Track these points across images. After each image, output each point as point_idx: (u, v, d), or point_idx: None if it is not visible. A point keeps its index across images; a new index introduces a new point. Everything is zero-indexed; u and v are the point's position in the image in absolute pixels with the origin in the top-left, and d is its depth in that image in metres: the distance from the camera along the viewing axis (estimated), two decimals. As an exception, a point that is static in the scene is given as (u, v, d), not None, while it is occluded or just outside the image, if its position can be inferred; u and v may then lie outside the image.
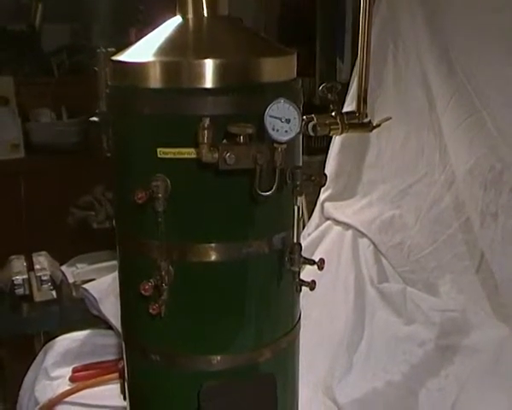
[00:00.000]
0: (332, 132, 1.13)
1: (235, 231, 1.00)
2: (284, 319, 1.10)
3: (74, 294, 1.84)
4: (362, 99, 1.13)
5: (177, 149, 0.95)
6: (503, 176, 1.56)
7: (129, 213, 1.02)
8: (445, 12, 1.68)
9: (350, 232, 1.89)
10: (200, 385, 1.02)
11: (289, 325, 1.11)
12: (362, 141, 1.93)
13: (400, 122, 1.79)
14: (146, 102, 0.97)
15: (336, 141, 1.98)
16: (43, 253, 1.97)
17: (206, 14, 1.02)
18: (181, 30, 1.03)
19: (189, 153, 0.94)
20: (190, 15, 1.03)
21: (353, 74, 1.99)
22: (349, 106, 1.80)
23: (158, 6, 2.39)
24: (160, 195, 0.94)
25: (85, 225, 2.37)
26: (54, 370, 1.70)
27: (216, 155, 0.89)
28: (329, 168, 1.97)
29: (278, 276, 1.05)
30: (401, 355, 1.60)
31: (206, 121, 0.88)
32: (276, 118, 0.90)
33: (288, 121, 0.90)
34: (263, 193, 0.92)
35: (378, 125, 1.16)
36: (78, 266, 2.25)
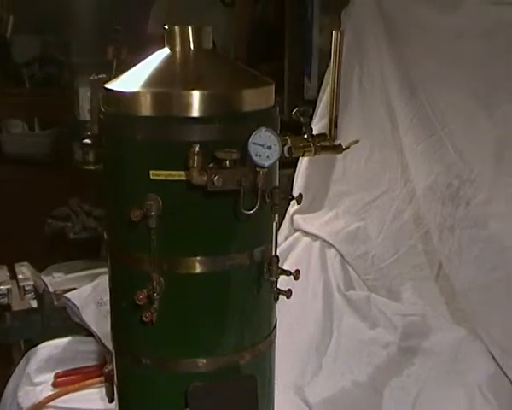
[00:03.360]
0: (306, 154, 1.23)
1: (220, 245, 1.10)
2: (263, 324, 1.20)
3: (56, 303, 1.91)
4: (333, 124, 1.24)
5: (168, 172, 1.04)
6: (459, 192, 1.69)
7: (122, 229, 1.10)
8: (407, 38, 1.80)
9: (318, 243, 2.01)
10: (188, 386, 1.11)
11: (267, 330, 1.21)
12: (328, 157, 2.04)
13: (365, 140, 1.91)
14: (139, 129, 1.06)
15: (305, 157, 2.09)
16: (26, 263, 2.04)
17: (192, 47, 1.12)
18: (170, 61, 1.12)
19: (179, 175, 1.03)
20: (178, 48, 1.12)
21: (320, 93, 2.11)
22: (317, 124, 1.92)
23: (135, 26, 2.49)
24: (152, 213, 1.03)
25: (61, 235, 2.44)
26: (37, 376, 1.77)
27: (205, 178, 0.99)
28: (298, 183, 2.09)
29: (258, 286, 1.15)
30: (366, 357, 1.72)
31: (196, 147, 0.98)
32: (258, 145, 1.00)
33: (269, 148, 1.01)
34: (246, 211, 1.02)
35: (347, 148, 1.27)
36: (55, 275, 2.31)
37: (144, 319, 1.06)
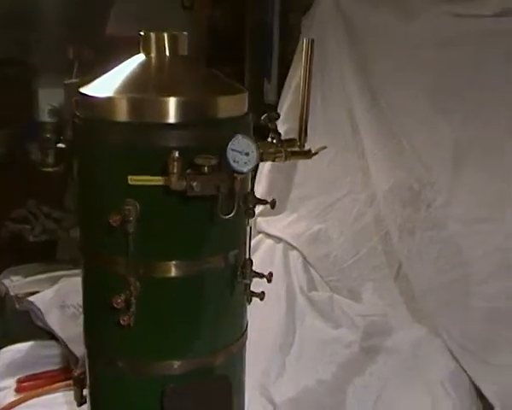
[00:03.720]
0: (277, 160, 1.26)
1: (196, 249, 1.12)
2: (236, 326, 1.23)
3: (17, 306, 1.89)
4: (304, 130, 1.27)
5: (146, 177, 1.05)
6: (420, 195, 1.75)
7: (99, 233, 1.11)
8: (367, 44, 1.85)
9: (281, 245, 2.04)
10: (163, 388, 1.13)
11: (240, 332, 1.24)
12: (290, 161, 2.07)
13: (326, 144, 1.94)
14: (116, 134, 1.07)
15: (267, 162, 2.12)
16: (-14, 267, 2.01)
17: (168, 54, 1.13)
18: (145, 67, 1.13)
19: (157, 180, 1.05)
20: (153, 54, 1.14)
21: (282, 97, 2.15)
22: (280, 129, 1.94)
23: (96, 25, 2.47)
24: (131, 218, 1.04)
25: (19, 238, 2.40)
26: (-1, 381, 1.75)
27: (184, 183, 1.01)
28: (261, 185, 2.12)
29: (231, 288, 1.18)
30: (329, 356, 1.77)
31: (176, 153, 1.00)
32: (236, 151, 1.02)
33: (247, 154, 1.03)
34: (224, 216, 1.04)
35: (316, 153, 1.30)
36: (13, 278, 2.28)
37: (122, 322, 1.07)
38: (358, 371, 1.70)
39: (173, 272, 1.11)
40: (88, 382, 1.25)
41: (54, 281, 2.12)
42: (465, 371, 1.65)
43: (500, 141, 1.62)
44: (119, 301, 1.06)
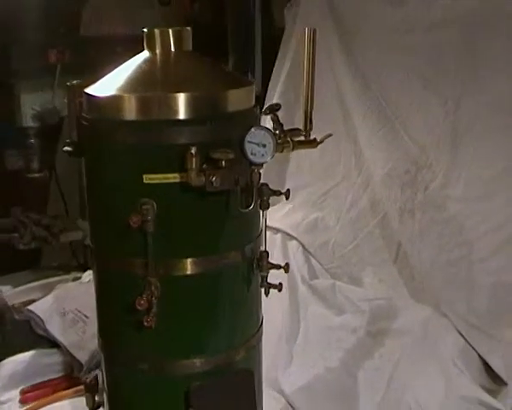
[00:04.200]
0: (284, 150, 1.26)
1: (214, 244, 1.11)
2: (254, 319, 1.23)
3: (16, 317, 1.86)
4: (308, 119, 1.27)
5: (163, 175, 1.04)
6: (417, 177, 1.77)
7: (115, 235, 1.10)
8: (357, 32, 1.86)
9: (279, 236, 2.04)
10: (186, 387, 1.12)
11: (257, 324, 1.24)
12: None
13: (318, 132, 1.95)
14: (128, 134, 1.05)
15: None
16: (-19, 279, 1.97)
17: (173, 49, 1.12)
18: (151, 64, 1.12)
19: (173, 177, 1.04)
20: (158, 50, 1.12)
21: (270, 88, 2.15)
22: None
23: (75, 27, 2.42)
24: (149, 217, 1.03)
25: (9, 247, 2.35)
26: (2, 394, 1.73)
27: (203, 179, 1.00)
28: (254, 178, 2.11)
29: (248, 281, 1.18)
30: (336, 343, 1.78)
31: (193, 149, 0.99)
32: (254, 143, 1.03)
33: (264, 146, 1.03)
34: (244, 210, 1.04)
35: (321, 142, 1.30)
36: (1, 288, 2.24)
37: (145, 324, 1.05)
38: (367, 356, 1.71)
39: (192, 270, 1.10)
40: (105, 387, 1.24)
41: (46, 288, 2.09)
42: (473, 349, 1.67)
43: (496, 119, 1.65)
44: (142, 302, 1.04)
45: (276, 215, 2.09)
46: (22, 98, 2.20)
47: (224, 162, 1.02)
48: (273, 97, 2.07)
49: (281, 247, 2.01)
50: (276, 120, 1.29)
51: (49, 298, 1.91)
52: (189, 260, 1.09)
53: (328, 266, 2.00)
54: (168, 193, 1.05)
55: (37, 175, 2.38)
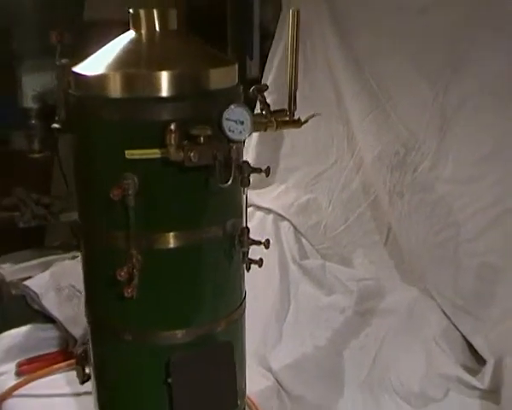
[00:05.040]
0: (268, 129, 1.29)
1: (194, 219, 1.14)
2: (235, 293, 1.26)
3: (13, 292, 1.90)
4: (292, 100, 1.29)
5: (143, 151, 1.07)
6: (406, 159, 1.79)
7: (98, 210, 1.13)
8: (349, 14, 1.88)
9: (271, 216, 2.07)
10: (168, 358, 1.15)
11: (239, 299, 1.27)
12: (277, 133, 2.11)
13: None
14: (112, 110, 1.08)
15: (254, 134, 2.15)
16: (-21, 255, 2.02)
17: (158, 29, 1.15)
18: (137, 43, 1.15)
19: (154, 153, 1.07)
20: (144, 30, 1.15)
21: (266, 71, 2.17)
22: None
23: (76, 10, 2.46)
24: (130, 191, 1.06)
25: (10, 225, 2.40)
26: (-1, 366, 1.77)
27: (181, 154, 1.03)
28: (249, 158, 2.13)
29: (230, 257, 1.20)
30: (324, 322, 1.81)
31: (173, 125, 1.02)
32: (231, 120, 1.05)
33: (241, 123, 1.06)
34: (222, 185, 1.07)
35: (306, 122, 1.33)
36: (3, 266, 2.29)
37: (126, 294, 1.09)
38: (354, 335, 1.74)
39: (173, 243, 1.13)
40: (92, 357, 1.28)
41: (45, 266, 2.13)
42: (457, 329, 1.70)
43: (483, 102, 1.66)
44: (123, 273, 1.08)
45: (269, 196, 2.13)
46: (23, 79, 2.24)
47: (202, 138, 1.04)
48: (268, 79, 2.10)
49: (273, 227, 2.04)
50: (262, 101, 1.32)
51: (46, 274, 1.95)
52: (170, 234, 1.12)
53: (318, 246, 2.03)
54: (149, 168, 1.08)
55: (38, 156, 2.41)
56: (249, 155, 2.16)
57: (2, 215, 2.35)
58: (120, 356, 1.21)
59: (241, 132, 1.06)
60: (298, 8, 1.29)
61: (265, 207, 2.10)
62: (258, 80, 2.26)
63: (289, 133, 2.10)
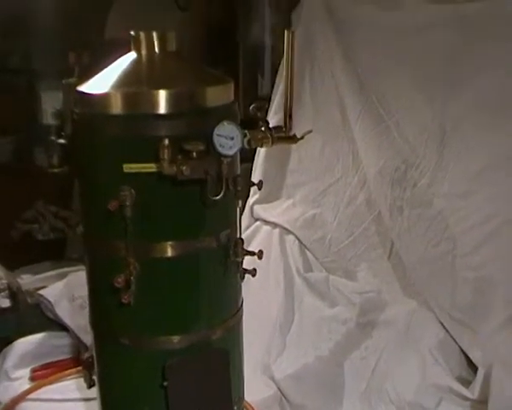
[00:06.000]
0: (264, 145, 1.34)
1: (189, 230, 1.20)
2: (231, 302, 1.31)
3: (29, 300, 1.98)
4: (288, 116, 1.35)
5: (140, 165, 1.13)
6: (406, 175, 1.83)
7: (99, 219, 1.20)
8: (354, 36, 1.93)
9: (277, 230, 2.12)
10: (164, 362, 1.21)
11: (235, 307, 1.32)
12: (284, 150, 2.17)
13: (317, 132, 2.03)
14: (111, 127, 1.15)
15: (261, 151, 2.21)
16: (-3, 264, 2.10)
17: (157, 51, 1.22)
18: (137, 64, 1.22)
19: (150, 167, 1.13)
20: (144, 51, 1.22)
21: (274, 90, 2.23)
22: (272, 118, 2.03)
23: (95, 30, 2.55)
24: (127, 203, 1.13)
25: (29, 237, 2.48)
26: (14, 372, 1.84)
27: (174, 168, 1.09)
28: (256, 175, 2.20)
29: (225, 266, 1.26)
30: (327, 334, 1.85)
31: (166, 141, 1.08)
32: (222, 136, 1.11)
33: (231, 139, 1.11)
34: (213, 198, 1.12)
35: (302, 138, 1.37)
36: (23, 276, 2.37)
37: (123, 300, 1.15)
38: (355, 346, 1.78)
39: (169, 253, 1.19)
40: (95, 362, 1.34)
41: (61, 277, 2.20)
42: (454, 341, 1.73)
43: (481, 118, 1.69)
44: (120, 280, 1.14)
45: (276, 211, 2.18)
46: (43, 97, 2.33)
47: (194, 153, 1.10)
48: (276, 98, 2.15)
49: (278, 241, 2.09)
50: (262, 118, 1.37)
51: (60, 284, 2.02)
52: (165, 244, 1.18)
53: (323, 259, 2.07)
54: (146, 181, 1.14)
55: (57, 170, 2.49)
56: (257, 171, 2.22)
57: (21, 228, 2.43)
58: (119, 360, 1.27)
59: (231, 147, 1.11)
60: (294, 29, 1.35)
61: (272, 221, 2.15)
62: (269, 98, 2.31)
63: (296, 150, 2.16)
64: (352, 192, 2.04)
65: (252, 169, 2.28)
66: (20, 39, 2.74)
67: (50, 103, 2.37)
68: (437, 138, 1.78)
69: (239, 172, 1.28)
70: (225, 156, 1.11)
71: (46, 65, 2.44)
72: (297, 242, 2.09)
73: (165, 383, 1.21)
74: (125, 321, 1.23)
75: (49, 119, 2.41)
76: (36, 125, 2.53)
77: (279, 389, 1.73)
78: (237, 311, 1.32)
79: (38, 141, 2.66)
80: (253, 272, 1.27)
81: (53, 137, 2.64)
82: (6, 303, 1.99)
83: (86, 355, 1.73)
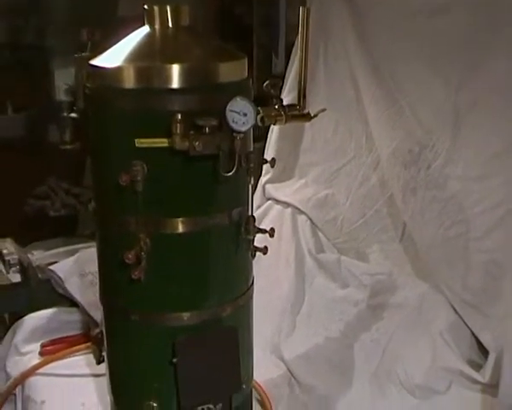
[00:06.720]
0: (277, 123, 1.33)
1: (201, 206, 1.19)
2: (242, 280, 1.30)
3: (40, 276, 1.98)
4: (302, 94, 1.33)
5: (152, 140, 1.12)
6: (420, 156, 1.81)
7: (110, 194, 1.19)
8: (368, 16, 1.90)
9: (289, 210, 2.12)
10: (174, 339, 1.21)
11: (246, 286, 1.31)
12: (297, 129, 2.15)
13: (331, 112, 2.01)
14: (124, 101, 1.14)
15: (275, 130, 2.20)
16: (8, 239, 2.10)
17: (170, 25, 1.21)
18: (150, 38, 1.21)
19: (162, 142, 1.12)
20: (157, 26, 1.21)
21: (288, 68, 2.21)
22: (286, 97, 2.01)
23: (108, 7, 2.53)
24: (139, 178, 1.12)
25: (41, 213, 2.50)
26: (24, 346, 1.86)
27: (187, 144, 1.08)
28: (269, 154, 2.19)
29: (236, 244, 1.25)
30: (338, 315, 1.85)
31: (178, 116, 1.07)
32: (235, 112, 1.09)
33: (245, 115, 1.10)
34: (225, 174, 1.12)
35: (315, 116, 1.36)
36: (34, 252, 2.38)
37: (133, 276, 1.14)
38: (365, 328, 1.77)
39: (180, 229, 1.18)
40: (105, 338, 1.34)
41: (72, 253, 2.21)
42: (465, 324, 1.72)
43: (495, 101, 1.67)
44: (130, 256, 1.13)
45: (288, 190, 2.17)
46: (56, 74, 2.32)
47: (207, 129, 1.09)
48: (290, 76, 2.14)
49: (290, 221, 2.08)
50: (275, 95, 1.36)
51: (71, 260, 2.02)
52: (177, 220, 1.17)
53: (335, 240, 2.06)
54: (158, 156, 1.13)
55: (69, 147, 2.50)
56: (269, 150, 2.20)
57: (34, 204, 2.45)
58: (129, 336, 1.27)
59: (244, 124, 1.10)
60: (309, 6, 1.33)
61: (284, 200, 2.14)
62: (283, 77, 2.30)
63: (309, 129, 2.14)
64: (365, 173, 2.03)
65: (264, 149, 2.27)
66: (32, 16, 2.74)
67: (63, 80, 2.37)
68: (451, 120, 1.75)
69: (252, 149, 1.27)
70: (238, 132, 1.10)
71: (59, 42, 2.44)
72: (309, 222, 2.08)
73: (174, 360, 1.21)
74: (135, 297, 1.23)
75: (61, 95, 2.42)
76: (49, 101, 2.53)
77: (288, 369, 1.73)
78: (248, 289, 1.32)
79: (51, 118, 2.68)
80: (265, 250, 1.26)
81: (65, 114, 2.66)
82: (17, 278, 2.01)
83: (96, 331, 1.74)
